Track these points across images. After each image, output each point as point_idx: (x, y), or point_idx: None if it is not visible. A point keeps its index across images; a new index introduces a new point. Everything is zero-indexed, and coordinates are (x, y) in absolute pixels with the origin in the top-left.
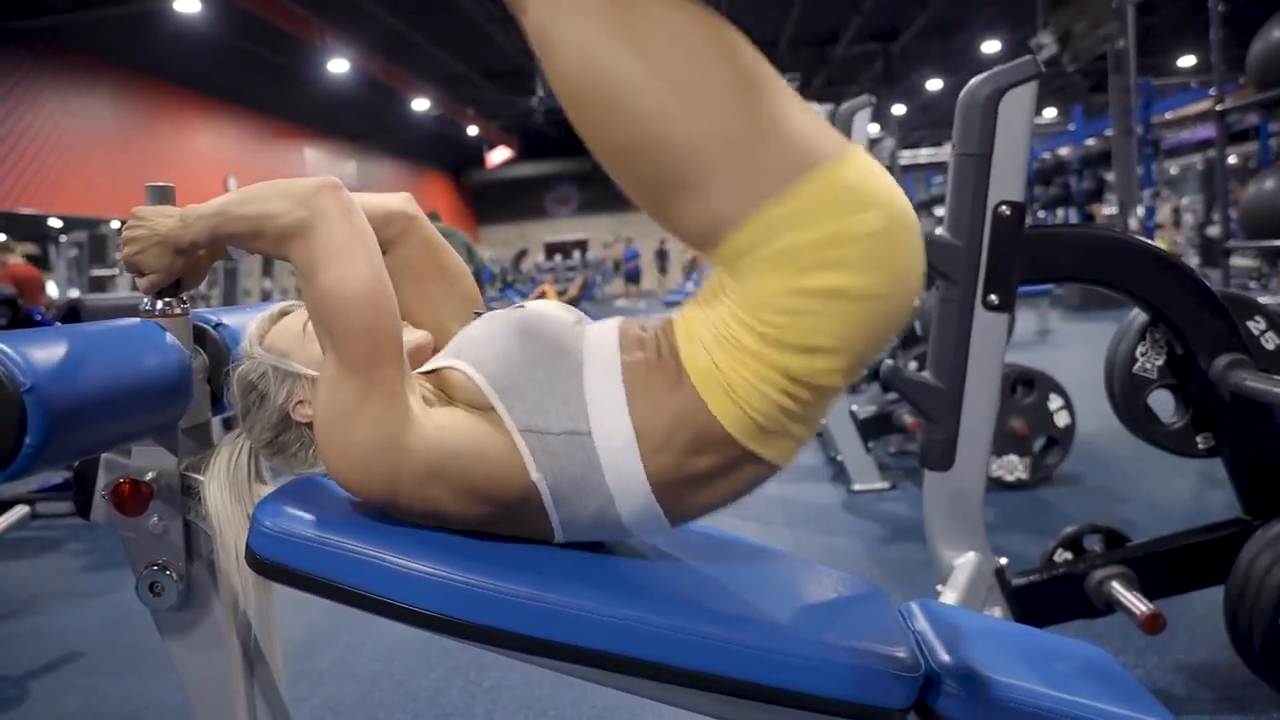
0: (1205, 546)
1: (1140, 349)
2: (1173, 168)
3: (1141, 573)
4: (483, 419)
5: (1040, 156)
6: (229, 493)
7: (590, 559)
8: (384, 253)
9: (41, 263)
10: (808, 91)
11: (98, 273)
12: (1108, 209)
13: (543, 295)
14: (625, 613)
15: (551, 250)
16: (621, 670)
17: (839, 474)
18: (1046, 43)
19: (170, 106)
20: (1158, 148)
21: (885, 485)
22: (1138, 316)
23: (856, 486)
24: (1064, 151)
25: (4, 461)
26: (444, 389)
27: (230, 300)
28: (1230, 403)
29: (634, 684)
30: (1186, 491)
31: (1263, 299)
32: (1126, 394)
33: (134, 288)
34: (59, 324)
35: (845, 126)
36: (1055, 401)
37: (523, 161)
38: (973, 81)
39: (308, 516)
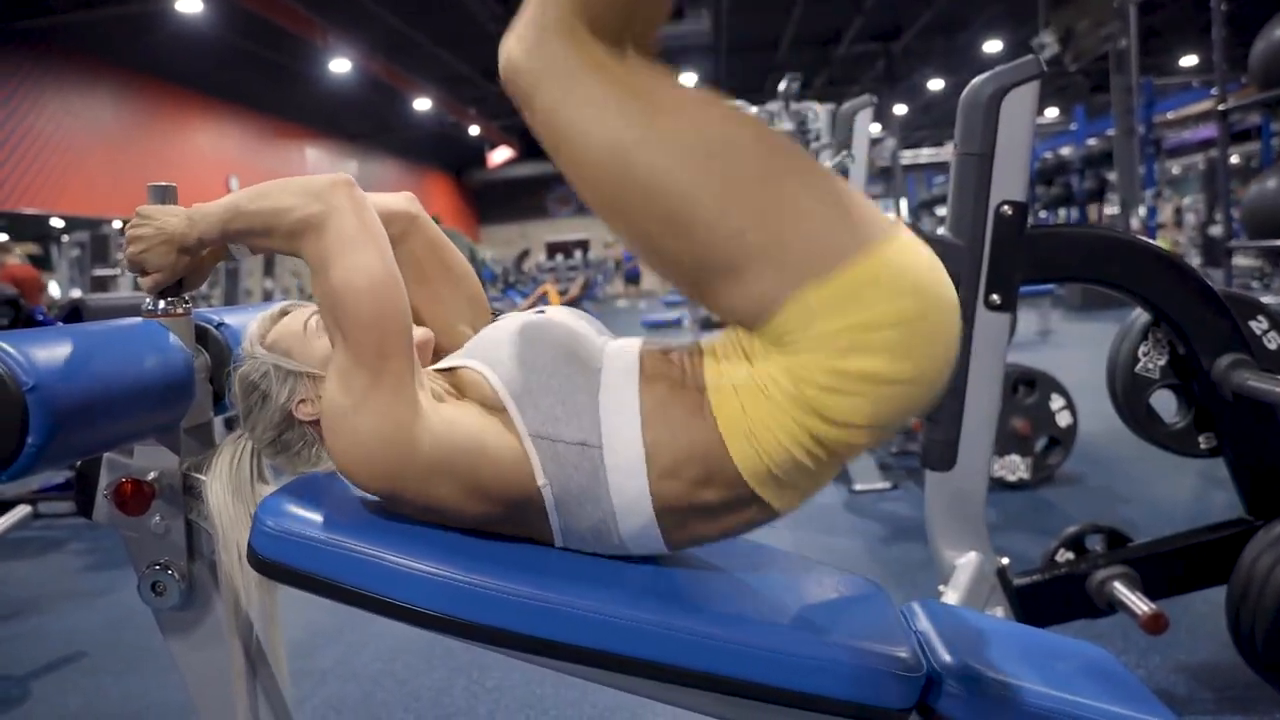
0: (1207, 546)
1: (1142, 349)
2: (1175, 167)
3: (1143, 573)
4: (494, 419)
5: (1042, 156)
6: (231, 492)
7: (591, 559)
8: None
9: (43, 263)
10: (809, 92)
11: (99, 273)
12: (1110, 208)
13: (544, 295)
14: (627, 613)
15: (553, 250)
16: (623, 670)
17: (840, 473)
18: (1048, 42)
19: (172, 106)
20: (1160, 147)
21: (887, 485)
22: (1140, 316)
23: (858, 486)
24: (1066, 151)
25: (6, 461)
26: (459, 388)
27: (232, 300)
28: (1232, 403)
29: (635, 684)
30: (1188, 491)
31: (1265, 299)
32: (1129, 394)
33: (136, 287)
34: (61, 324)
35: (847, 126)
36: (1057, 401)
37: (524, 161)
38: (975, 81)
39: (310, 516)
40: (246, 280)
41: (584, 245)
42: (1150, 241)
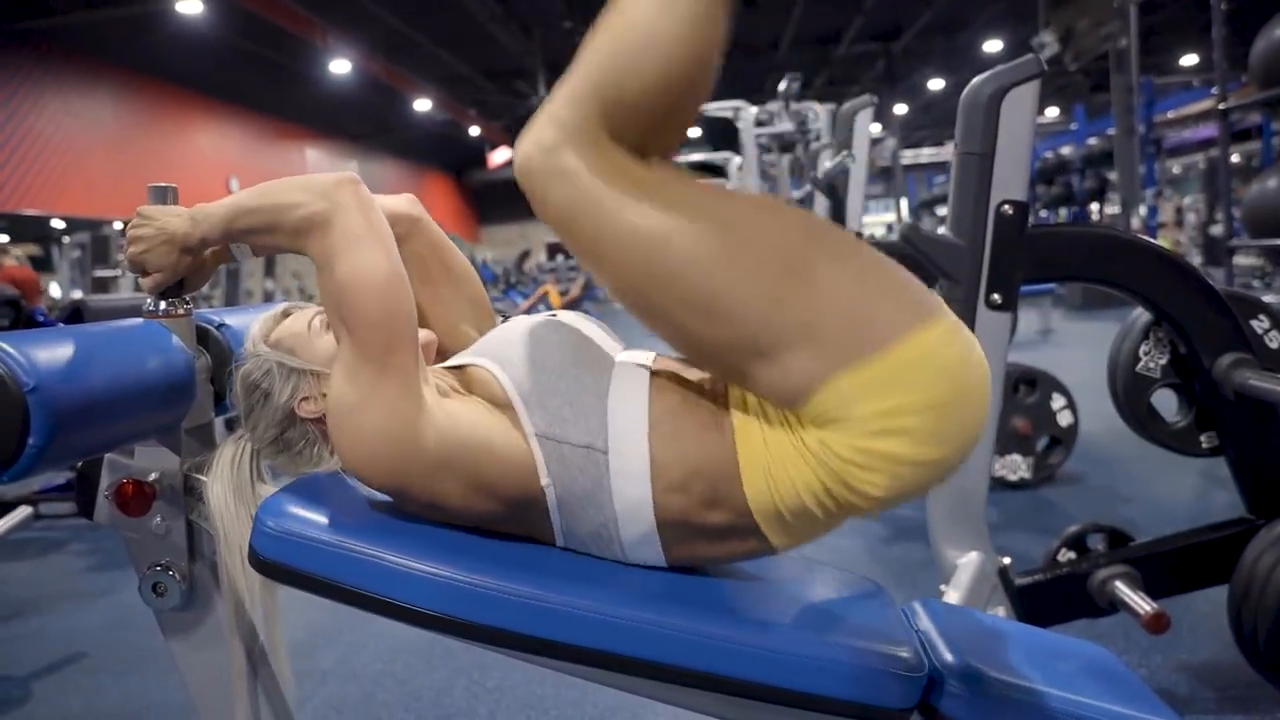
0: (1209, 546)
1: (1143, 348)
2: (1175, 167)
3: (1145, 572)
4: (501, 417)
5: (1042, 156)
6: (232, 493)
7: (592, 559)
8: None
9: (44, 264)
10: (809, 92)
11: (100, 273)
12: (1110, 208)
13: (545, 295)
14: (627, 613)
15: (554, 250)
16: (623, 670)
17: None
18: (1048, 42)
19: (172, 107)
20: (1160, 147)
21: None
22: (1141, 315)
23: None
24: (1066, 151)
25: (7, 462)
26: (467, 385)
27: (232, 301)
28: (1234, 402)
29: (636, 684)
30: (1190, 491)
31: (1266, 298)
32: (1130, 393)
33: (137, 288)
34: (62, 325)
35: (847, 126)
36: (1058, 401)
37: None
38: (975, 81)
39: (310, 517)
40: (247, 281)
41: None
42: (1151, 241)
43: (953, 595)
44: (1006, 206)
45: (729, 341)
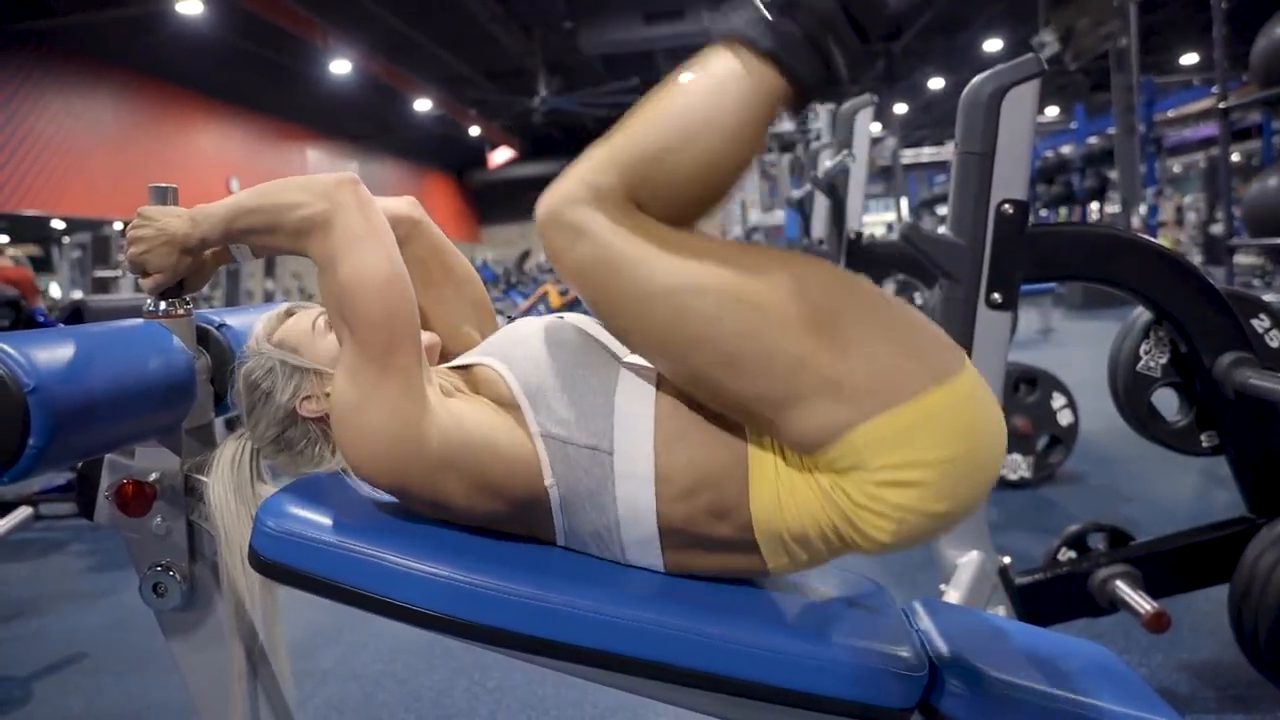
0: (1209, 545)
1: (1144, 347)
2: (1176, 166)
3: (1145, 571)
4: (507, 416)
5: (1043, 155)
6: (233, 493)
7: (592, 559)
8: None
9: (44, 264)
10: None
11: (101, 274)
12: (1111, 207)
13: (545, 295)
14: (627, 613)
15: None
16: (623, 670)
17: None
18: (1049, 41)
19: (173, 108)
20: (1160, 146)
21: None
22: (1141, 315)
23: None
24: (1066, 150)
25: (7, 462)
26: (473, 385)
27: (233, 301)
28: (1234, 401)
29: (636, 684)
30: (1190, 490)
31: (1266, 297)
32: (1130, 392)
33: (137, 288)
34: (62, 325)
35: (847, 126)
36: (1058, 400)
37: (525, 162)
38: (975, 80)
39: (311, 517)
40: (248, 281)
41: None
42: (1152, 240)
43: (953, 595)
44: (1007, 206)
45: (753, 394)
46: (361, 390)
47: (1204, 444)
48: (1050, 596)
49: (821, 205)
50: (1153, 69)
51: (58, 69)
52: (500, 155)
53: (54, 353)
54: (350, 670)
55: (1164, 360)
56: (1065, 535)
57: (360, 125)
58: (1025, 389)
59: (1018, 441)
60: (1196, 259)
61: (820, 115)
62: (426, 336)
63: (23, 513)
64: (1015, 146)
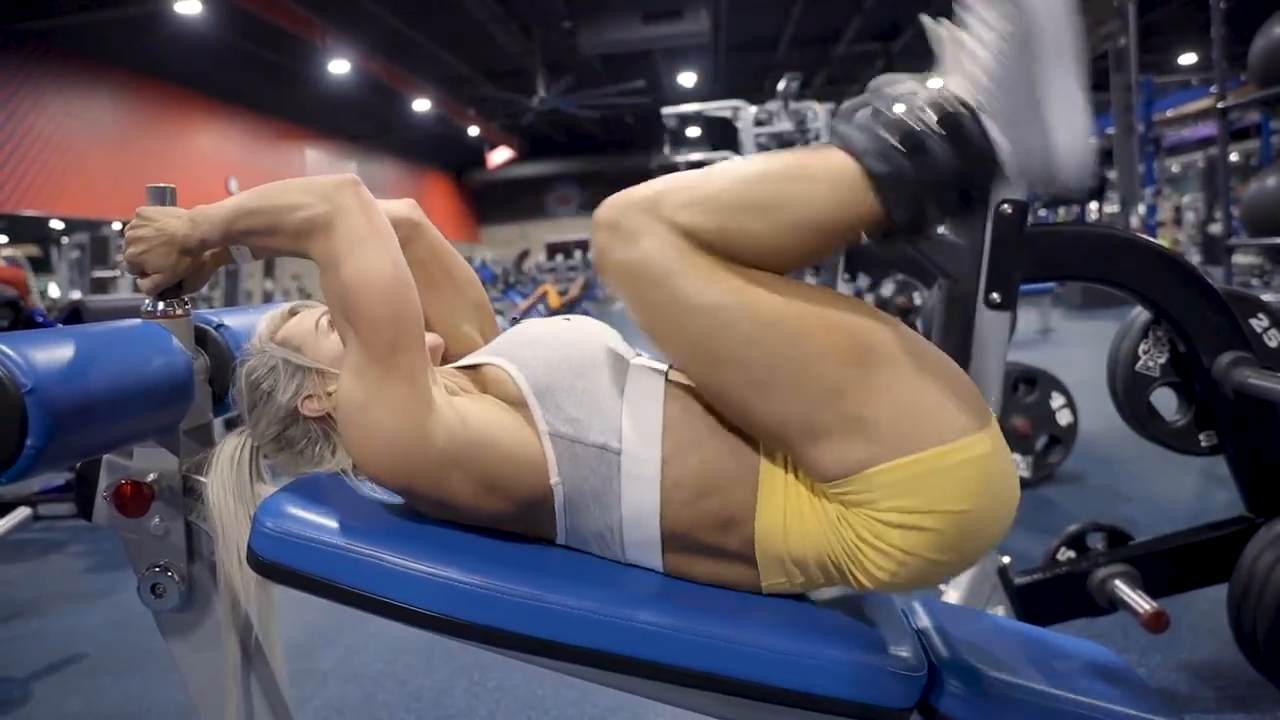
0: (1208, 545)
1: (1143, 347)
2: (1174, 165)
3: (1145, 571)
4: (514, 415)
5: None
6: (231, 494)
7: (591, 559)
8: None
9: (43, 264)
10: (808, 91)
11: (99, 274)
12: (1110, 206)
13: (544, 295)
14: (627, 612)
15: (553, 250)
16: (623, 670)
17: None
18: None
19: (172, 108)
20: (1159, 145)
21: None
22: (1140, 314)
23: None
24: None
25: (6, 463)
26: (481, 384)
27: (232, 301)
28: (1233, 400)
29: (636, 684)
30: (1189, 490)
31: (1265, 296)
32: (1129, 392)
33: (136, 288)
34: (61, 325)
35: None
36: (1057, 400)
37: (524, 161)
38: None
39: (309, 517)
40: (247, 282)
41: (584, 246)
42: (1150, 239)
43: (952, 595)
44: (1006, 205)
45: (779, 420)
46: (368, 390)
47: (1203, 444)
48: (1049, 596)
49: None
50: (1151, 69)
51: (57, 69)
52: (499, 155)
53: (52, 353)
54: (350, 670)
55: (1163, 360)
56: (1064, 535)
57: (359, 125)
58: (1024, 389)
59: (1017, 441)
60: (1195, 259)
61: (819, 115)
62: (430, 338)
63: (22, 513)
64: None
